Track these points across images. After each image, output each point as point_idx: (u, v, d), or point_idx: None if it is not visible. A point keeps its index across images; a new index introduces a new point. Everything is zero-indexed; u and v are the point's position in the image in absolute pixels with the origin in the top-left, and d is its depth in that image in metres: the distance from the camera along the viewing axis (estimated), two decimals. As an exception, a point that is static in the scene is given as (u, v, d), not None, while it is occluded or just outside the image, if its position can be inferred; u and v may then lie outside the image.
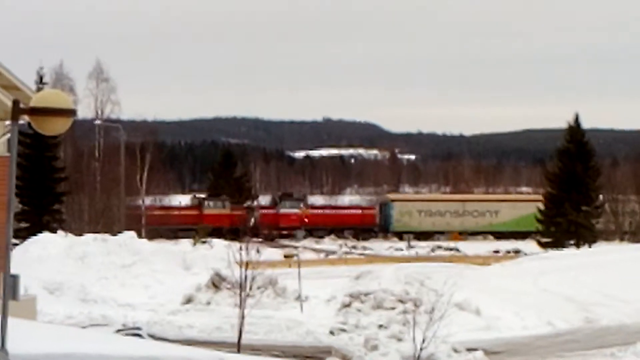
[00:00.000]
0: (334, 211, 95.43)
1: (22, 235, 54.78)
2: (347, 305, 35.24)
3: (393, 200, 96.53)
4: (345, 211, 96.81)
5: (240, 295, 28.94)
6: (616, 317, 36.53)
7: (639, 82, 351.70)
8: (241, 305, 28.72)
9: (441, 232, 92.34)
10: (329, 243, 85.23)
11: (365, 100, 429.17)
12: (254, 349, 28.32)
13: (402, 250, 76.11)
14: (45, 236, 48.11)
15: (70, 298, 39.58)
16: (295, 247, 74.20)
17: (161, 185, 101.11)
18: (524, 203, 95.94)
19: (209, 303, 37.58)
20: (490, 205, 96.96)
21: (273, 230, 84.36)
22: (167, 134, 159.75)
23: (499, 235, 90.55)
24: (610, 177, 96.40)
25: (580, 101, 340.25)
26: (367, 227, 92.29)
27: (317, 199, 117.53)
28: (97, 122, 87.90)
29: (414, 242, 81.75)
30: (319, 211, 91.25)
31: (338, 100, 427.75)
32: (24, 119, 11.83)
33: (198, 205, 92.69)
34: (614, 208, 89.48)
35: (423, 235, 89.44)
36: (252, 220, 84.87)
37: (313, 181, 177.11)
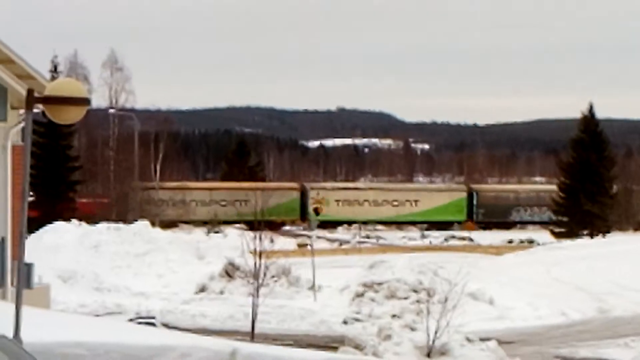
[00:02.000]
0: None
1: (36, 223, 54.83)
2: (361, 295, 35.28)
3: (143, 189, 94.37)
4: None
5: (254, 284, 29.00)
6: (629, 307, 36.51)
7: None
8: (255, 294, 28.77)
9: (187, 222, 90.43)
10: (343, 232, 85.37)
11: (379, 90, 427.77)
12: (268, 338, 28.36)
13: (415, 240, 76.22)
14: (59, 225, 48.20)
15: (83, 287, 39.75)
16: (309, 237, 74.23)
17: (175, 174, 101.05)
18: (281, 191, 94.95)
19: (222, 292, 37.66)
20: (238, 194, 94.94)
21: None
22: (181, 123, 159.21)
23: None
24: (624, 167, 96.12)
25: (593, 91, 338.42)
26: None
27: None
28: (112, 111, 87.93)
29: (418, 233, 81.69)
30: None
31: (352, 90, 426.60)
32: (39, 108, 11.85)
33: None
34: (628, 198, 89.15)
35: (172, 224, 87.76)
36: None
37: (327, 171, 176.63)
